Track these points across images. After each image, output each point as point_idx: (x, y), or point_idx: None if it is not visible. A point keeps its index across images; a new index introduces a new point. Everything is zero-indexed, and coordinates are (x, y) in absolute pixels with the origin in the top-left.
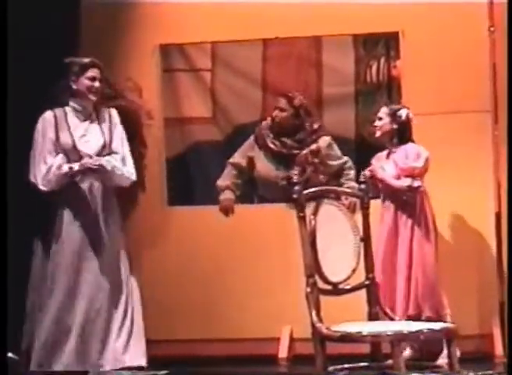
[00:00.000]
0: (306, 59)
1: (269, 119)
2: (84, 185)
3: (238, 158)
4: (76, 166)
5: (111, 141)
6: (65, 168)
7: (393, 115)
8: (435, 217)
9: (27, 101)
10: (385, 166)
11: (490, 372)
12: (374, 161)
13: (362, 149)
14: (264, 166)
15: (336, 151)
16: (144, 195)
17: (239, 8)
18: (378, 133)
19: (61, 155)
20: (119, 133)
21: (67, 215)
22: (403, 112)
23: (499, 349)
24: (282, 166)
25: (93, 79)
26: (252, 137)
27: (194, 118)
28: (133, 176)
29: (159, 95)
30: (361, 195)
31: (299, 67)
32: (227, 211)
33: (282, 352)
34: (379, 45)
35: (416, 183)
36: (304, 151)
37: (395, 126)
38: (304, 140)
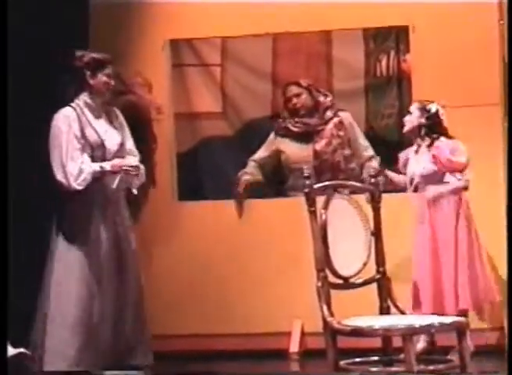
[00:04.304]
0: (316, 54)
1: (285, 111)
2: (105, 184)
3: (260, 153)
4: (107, 166)
5: (124, 141)
6: (97, 167)
7: (423, 109)
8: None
9: (33, 100)
10: (419, 160)
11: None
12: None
13: (372, 143)
14: (291, 148)
15: (360, 133)
16: (155, 190)
17: (248, 3)
18: (406, 128)
19: (87, 153)
20: (129, 133)
21: (85, 214)
22: (432, 107)
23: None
24: (308, 143)
25: (109, 76)
26: (272, 134)
27: (204, 113)
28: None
29: (169, 90)
30: (372, 189)
31: (309, 62)
32: (241, 186)
33: (294, 347)
34: (389, 39)
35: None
36: (328, 126)
37: (423, 121)
38: (323, 115)
